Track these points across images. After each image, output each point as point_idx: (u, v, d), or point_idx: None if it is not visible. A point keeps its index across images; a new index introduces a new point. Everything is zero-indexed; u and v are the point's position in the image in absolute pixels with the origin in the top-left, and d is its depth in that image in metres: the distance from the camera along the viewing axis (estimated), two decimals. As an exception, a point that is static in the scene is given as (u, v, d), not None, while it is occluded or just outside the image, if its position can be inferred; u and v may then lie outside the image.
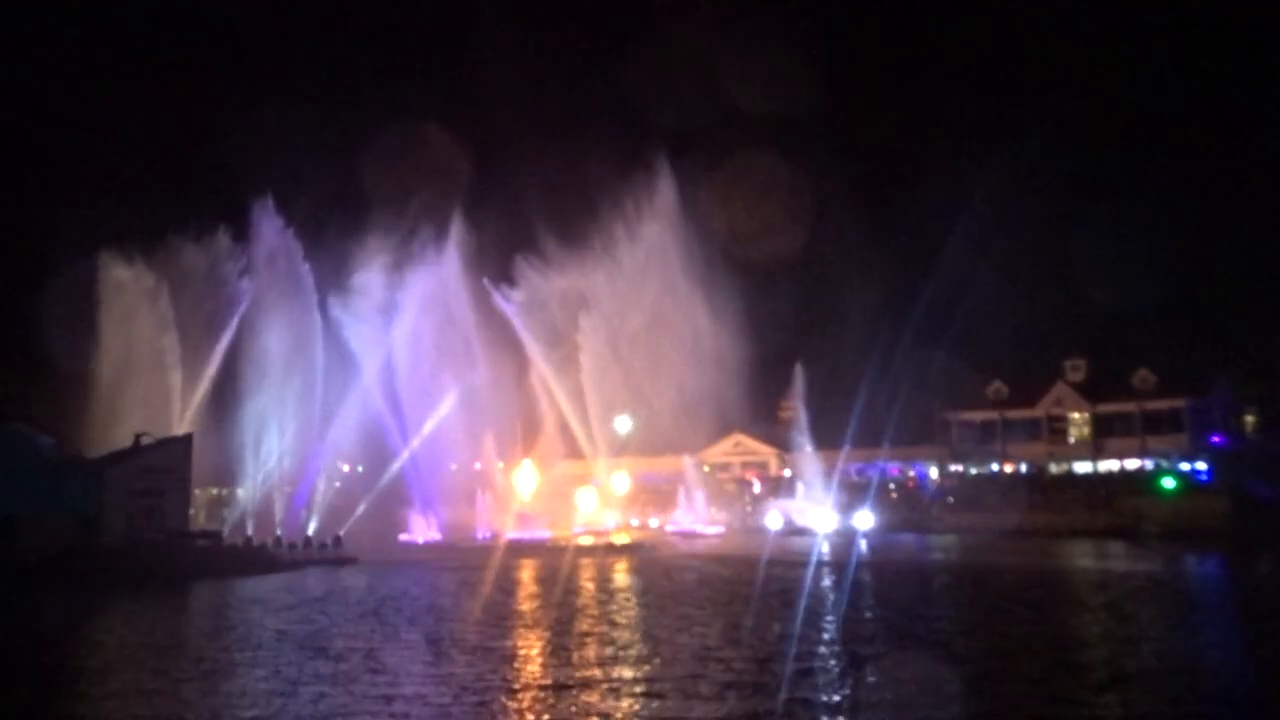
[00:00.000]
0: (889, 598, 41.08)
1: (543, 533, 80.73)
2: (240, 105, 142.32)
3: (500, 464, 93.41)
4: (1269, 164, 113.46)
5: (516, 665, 26.79)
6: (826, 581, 47.84)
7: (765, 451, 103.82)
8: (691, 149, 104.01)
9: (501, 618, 36.17)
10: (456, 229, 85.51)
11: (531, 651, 28.88)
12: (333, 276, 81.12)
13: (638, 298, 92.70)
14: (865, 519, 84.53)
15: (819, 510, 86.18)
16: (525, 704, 22.29)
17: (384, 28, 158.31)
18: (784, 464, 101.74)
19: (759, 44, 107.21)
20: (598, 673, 25.36)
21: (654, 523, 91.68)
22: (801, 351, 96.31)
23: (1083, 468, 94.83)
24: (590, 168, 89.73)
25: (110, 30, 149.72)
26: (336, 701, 22.60)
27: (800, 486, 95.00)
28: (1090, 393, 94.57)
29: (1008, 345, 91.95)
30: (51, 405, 71.28)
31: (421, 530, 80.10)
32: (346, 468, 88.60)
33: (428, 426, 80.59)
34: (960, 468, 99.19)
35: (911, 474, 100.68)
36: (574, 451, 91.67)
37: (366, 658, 27.91)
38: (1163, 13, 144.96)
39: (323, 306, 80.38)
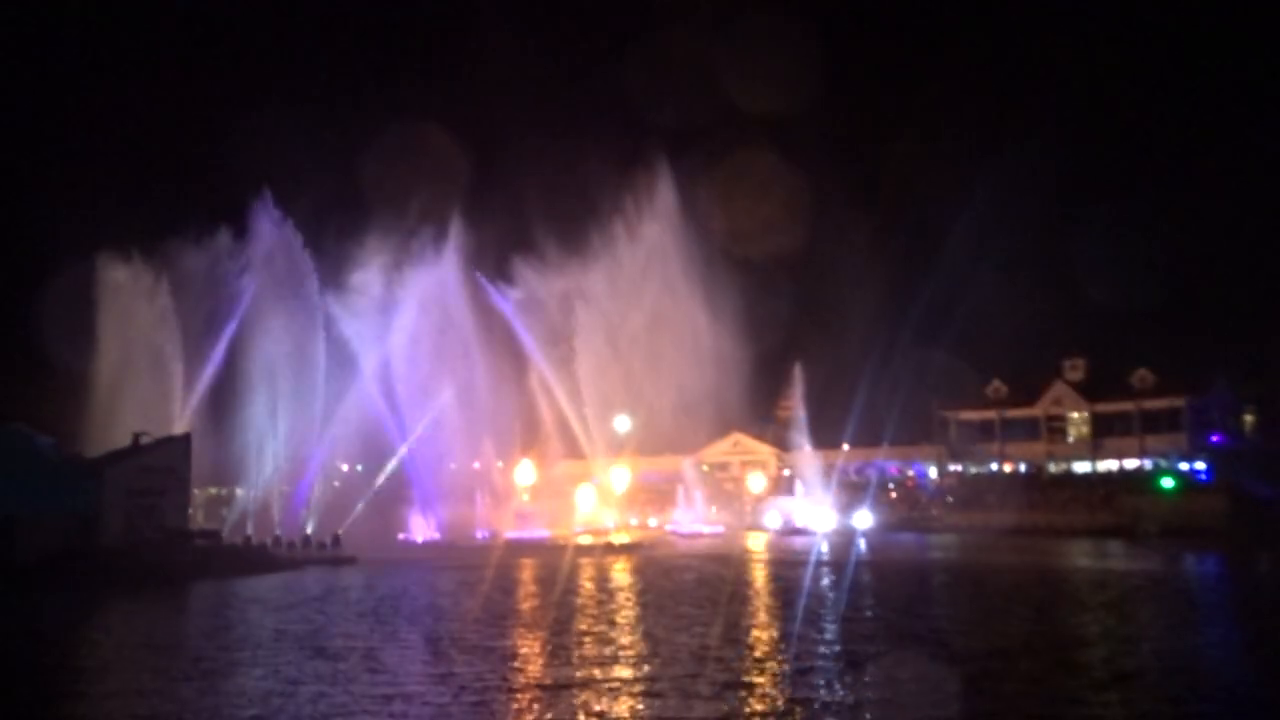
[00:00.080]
0: (888, 597, 41.08)
1: (542, 532, 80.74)
2: (240, 105, 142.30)
3: (499, 463, 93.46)
4: (1268, 163, 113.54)
5: (515, 665, 26.78)
6: (825, 581, 47.84)
7: (764, 451, 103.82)
8: (691, 148, 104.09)
9: (500, 617, 36.16)
10: (455, 228, 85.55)
11: (530, 651, 28.87)
12: (332, 276, 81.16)
13: (637, 297, 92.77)
14: (864, 518, 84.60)
15: (818, 510, 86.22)
16: (524, 704, 22.29)
17: (384, 27, 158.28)
18: (783, 463, 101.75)
19: (758, 44, 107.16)
20: (597, 672, 25.35)
21: (653, 522, 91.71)
22: (801, 351, 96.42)
23: (1081, 467, 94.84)
24: (590, 167, 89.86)
25: (110, 30, 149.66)
26: (335, 701, 22.60)
27: (799, 486, 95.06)
28: (1089, 392, 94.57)
29: (1007, 344, 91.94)
30: (51, 405, 71.31)
31: (420, 529, 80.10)
32: (345, 467, 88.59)
33: (423, 424, 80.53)
34: (959, 467, 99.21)
35: (910, 473, 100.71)
36: (573, 451, 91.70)
37: (365, 657, 27.90)
38: (1162, 12, 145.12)
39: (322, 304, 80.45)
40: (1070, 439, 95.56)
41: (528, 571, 55.03)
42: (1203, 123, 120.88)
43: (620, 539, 76.57)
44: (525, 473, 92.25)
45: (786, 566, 55.64)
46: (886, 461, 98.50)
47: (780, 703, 21.93)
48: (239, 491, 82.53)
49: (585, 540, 75.68)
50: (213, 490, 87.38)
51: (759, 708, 21.53)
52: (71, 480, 57.59)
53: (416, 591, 46.06)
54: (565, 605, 39.48)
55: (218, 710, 22.39)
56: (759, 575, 52.32)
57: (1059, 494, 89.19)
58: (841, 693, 23.02)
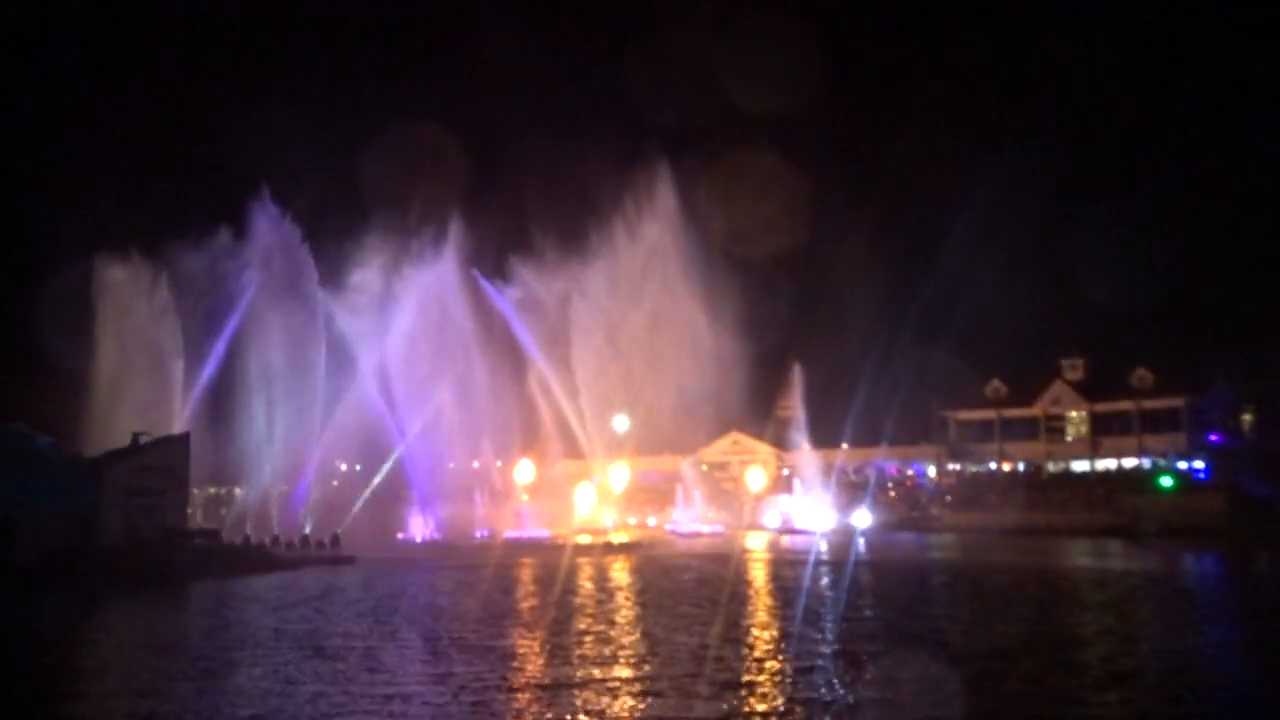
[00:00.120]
0: (887, 596, 41.08)
1: (541, 531, 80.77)
2: (239, 105, 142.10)
3: (498, 463, 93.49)
4: (1267, 163, 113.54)
5: (514, 664, 26.76)
6: (825, 580, 47.85)
7: (764, 450, 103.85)
8: (691, 148, 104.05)
9: (499, 616, 36.16)
10: (455, 228, 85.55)
11: (529, 651, 28.85)
12: (331, 275, 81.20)
13: (636, 297, 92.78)
14: (863, 518, 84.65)
15: (817, 509, 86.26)
16: (523, 703, 22.27)
17: (384, 27, 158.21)
18: (782, 463, 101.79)
19: (758, 43, 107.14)
20: (596, 672, 25.34)
21: (652, 521, 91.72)
22: (800, 350, 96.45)
23: (1080, 466, 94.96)
24: (589, 167, 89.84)
25: (109, 30, 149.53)
26: (334, 700, 22.57)
27: (798, 485, 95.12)
28: (1088, 391, 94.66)
29: (1006, 344, 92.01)
30: (50, 405, 71.26)
31: (420, 529, 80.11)
32: (344, 466, 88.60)
33: (420, 422, 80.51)
34: (958, 466, 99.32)
35: (910, 473, 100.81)
36: (573, 450, 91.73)
37: (364, 657, 27.88)
38: (1161, 12, 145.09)
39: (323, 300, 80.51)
40: (1069, 438, 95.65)
41: (527, 571, 55.03)
42: (1202, 122, 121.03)
43: (619, 538, 76.61)
44: (524, 472, 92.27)
45: (786, 566, 55.65)
46: (886, 461, 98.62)
47: (780, 702, 21.92)
48: (238, 491, 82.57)
49: (584, 540, 75.70)
50: (212, 490, 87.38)
51: (759, 707, 21.52)
52: (70, 480, 57.57)
53: (415, 591, 46.05)
54: (564, 605, 39.47)
55: (216, 709, 22.36)
56: (758, 575, 52.33)
57: (1058, 493, 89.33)
58: (841, 692, 23.01)
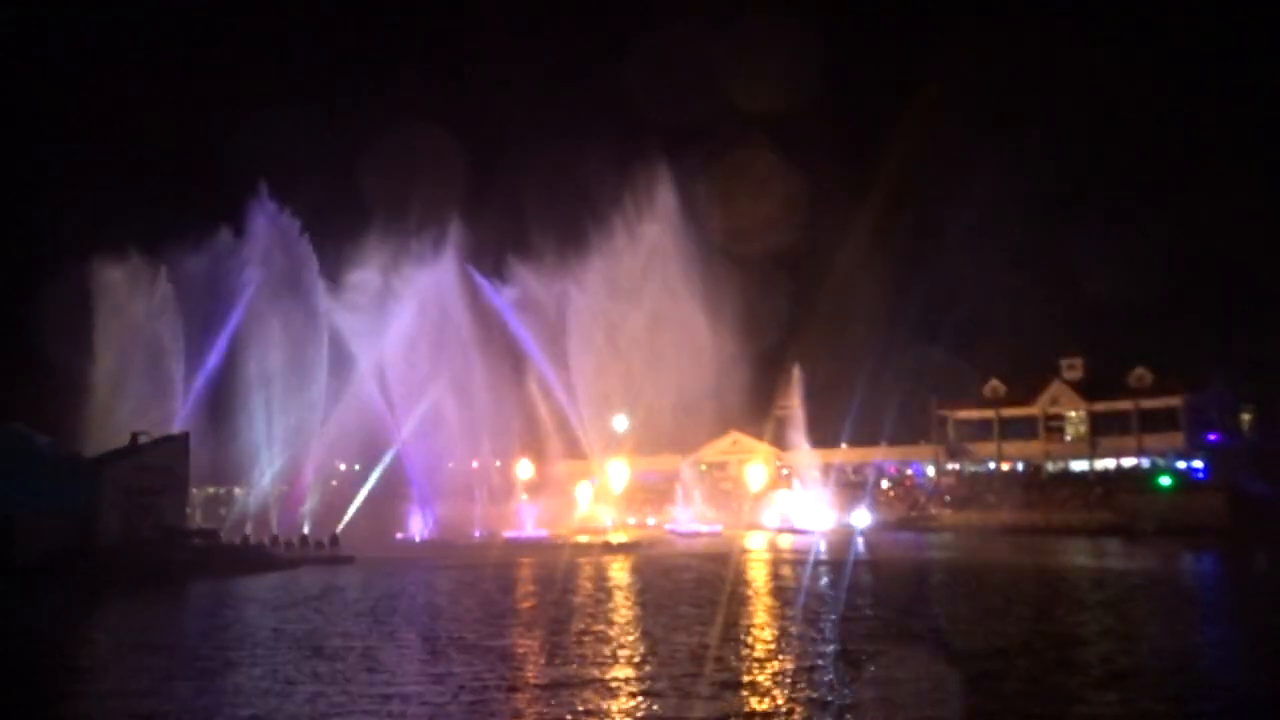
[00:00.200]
0: (887, 596, 41.10)
1: (540, 531, 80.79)
2: (239, 104, 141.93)
3: (497, 462, 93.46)
4: (1266, 162, 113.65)
5: (513, 664, 26.75)
6: (824, 580, 47.86)
7: (763, 450, 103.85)
8: (690, 147, 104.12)
9: (498, 616, 36.14)
10: (454, 227, 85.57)
11: (529, 650, 28.84)
12: (330, 275, 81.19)
13: (636, 296, 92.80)
14: (862, 517, 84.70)
15: (816, 508, 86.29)
16: (522, 703, 22.26)
17: (384, 27, 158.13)
18: (781, 462, 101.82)
19: (757, 42, 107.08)
20: (595, 672, 25.33)
21: (651, 521, 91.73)
22: (799, 350, 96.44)
23: (1079, 466, 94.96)
24: (589, 167, 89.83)
25: (109, 30, 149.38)
26: (333, 700, 22.56)
27: (798, 485, 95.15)
28: (1087, 391, 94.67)
29: (1005, 344, 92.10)
30: (49, 404, 71.25)
31: (419, 528, 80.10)
32: (343, 466, 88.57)
33: (416, 418, 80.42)
34: (957, 466, 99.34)
35: (908, 472, 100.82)
36: (572, 450, 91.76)
37: (363, 656, 27.87)
38: (1160, 10, 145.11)
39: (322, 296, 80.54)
40: (1068, 438, 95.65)
41: (526, 570, 55.02)
42: (1201, 121, 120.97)
43: (618, 538, 76.59)
44: (523, 472, 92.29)
45: (785, 565, 55.67)
46: (885, 460, 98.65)
47: (779, 702, 21.92)
48: (237, 491, 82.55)
49: (583, 539, 75.71)
50: (211, 489, 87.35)
51: (758, 707, 21.52)
52: (70, 479, 57.56)
53: (414, 591, 46.02)
54: (563, 604, 39.47)
55: (215, 709, 22.36)
56: (757, 574, 52.32)
57: (1057, 493, 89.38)
58: (841, 692, 23.01)
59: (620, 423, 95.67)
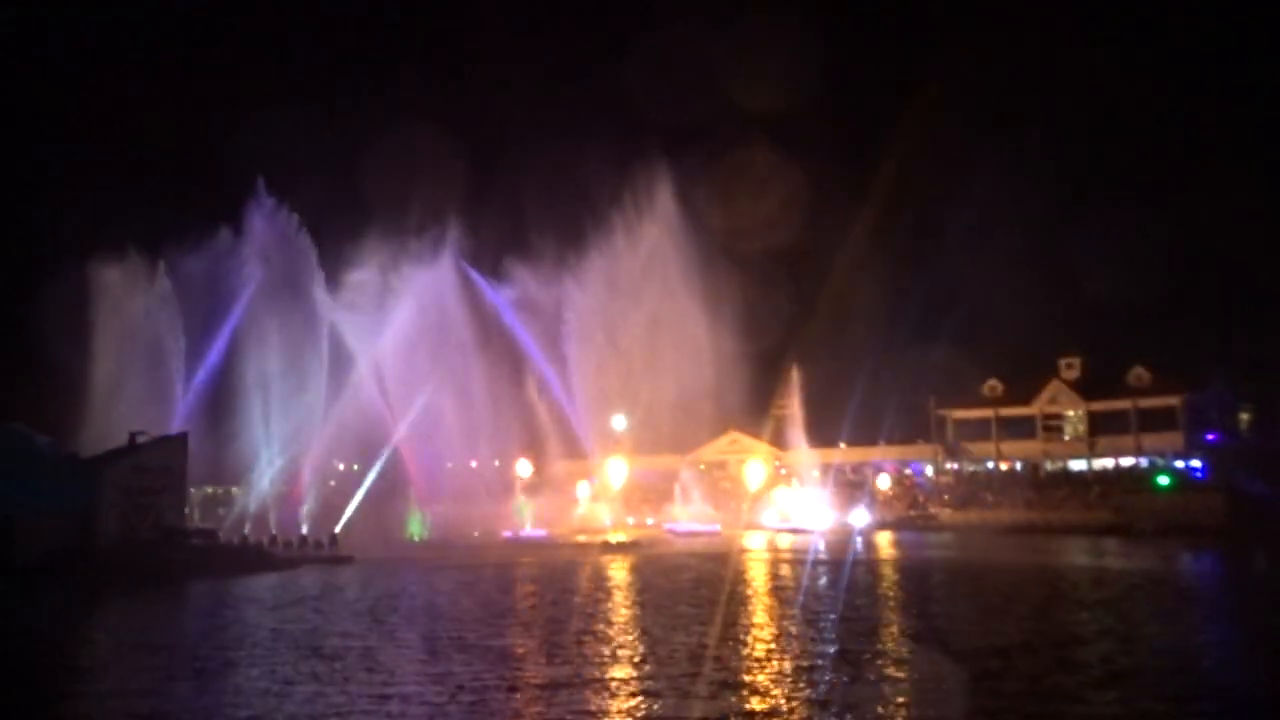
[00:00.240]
0: (885, 595, 41.12)
1: (539, 531, 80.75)
2: (238, 104, 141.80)
3: (496, 462, 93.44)
4: (1266, 161, 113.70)
5: (513, 664, 26.72)
6: (823, 579, 47.86)
7: (762, 449, 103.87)
8: (690, 146, 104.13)
9: (498, 616, 36.12)
10: (453, 227, 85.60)
11: (528, 650, 28.80)
12: (329, 274, 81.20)
13: (635, 295, 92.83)
14: (861, 516, 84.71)
15: (815, 508, 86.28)
16: (521, 703, 22.24)
17: (383, 27, 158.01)
18: (780, 462, 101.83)
19: (757, 41, 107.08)
20: (594, 671, 25.32)
21: (650, 521, 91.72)
22: (798, 349, 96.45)
23: (1078, 465, 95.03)
24: (589, 166, 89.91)
25: (109, 30, 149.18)
26: (332, 701, 22.54)
27: (796, 484, 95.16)
28: (1085, 390, 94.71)
29: (1003, 343, 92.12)
30: (48, 404, 71.20)
31: (419, 528, 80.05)
32: (342, 466, 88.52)
33: (411, 416, 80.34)
34: (956, 465, 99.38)
35: (907, 471, 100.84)
36: (571, 450, 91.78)
37: (362, 657, 27.85)
38: (1159, 10, 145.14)
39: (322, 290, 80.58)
40: (1067, 437, 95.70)
41: (525, 570, 54.99)
42: (1201, 121, 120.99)
43: (618, 538, 76.57)
44: (522, 471, 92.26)
45: (784, 565, 55.67)
46: (883, 460, 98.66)
47: (778, 702, 21.91)
48: (235, 491, 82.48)
49: (582, 539, 75.69)
50: (209, 489, 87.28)
51: (757, 707, 21.51)
52: (69, 479, 57.52)
53: (413, 591, 46.01)
54: (563, 604, 39.46)
55: (214, 709, 22.34)
56: (756, 573, 52.32)
57: (1055, 492, 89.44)
58: (839, 692, 22.99)
59: (619, 422, 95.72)
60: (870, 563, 56.31)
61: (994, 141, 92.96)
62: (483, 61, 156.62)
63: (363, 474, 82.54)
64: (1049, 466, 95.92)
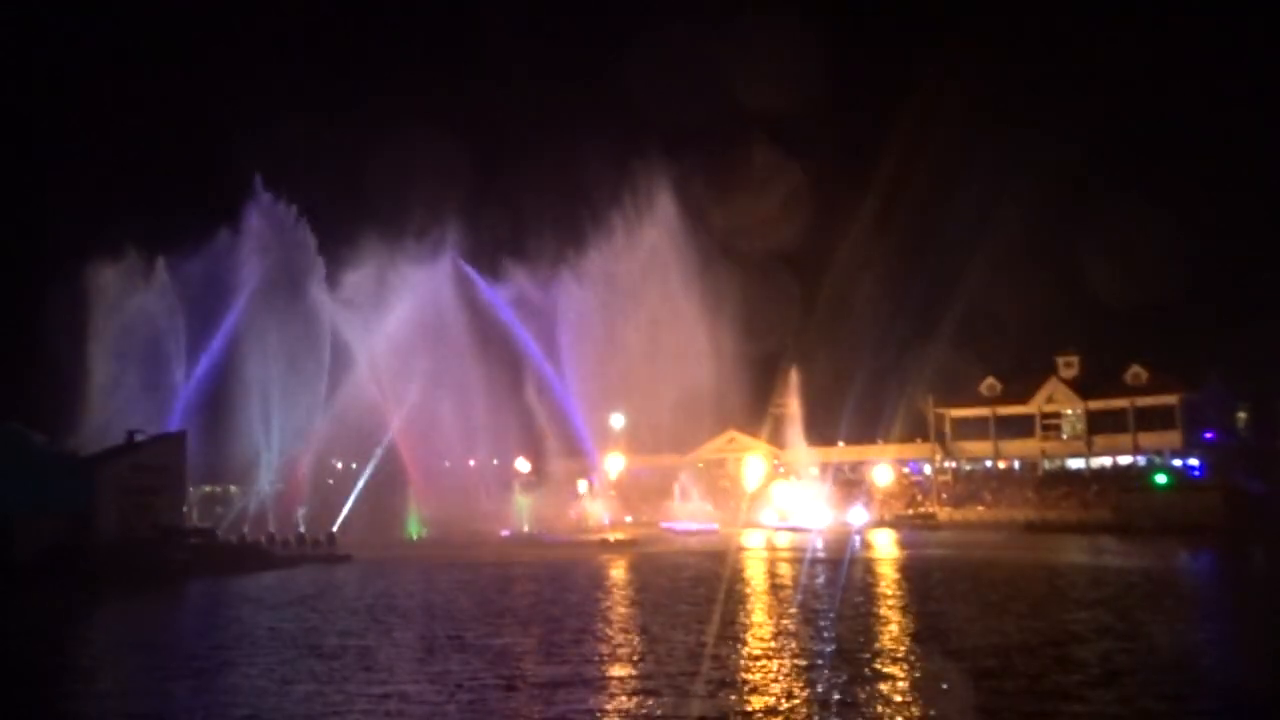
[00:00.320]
0: (883, 594, 41.12)
1: (538, 529, 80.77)
2: (238, 103, 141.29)
3: (495, 460, 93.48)
4: (1265, 160, 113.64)
5: (511, 662, 26.69)
6: (821, 577, 47.87)
7: (760, 448, 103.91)
8: (690, 146, 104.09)
9: (496, 614, 36.09)
10: (452, 226, 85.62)
11: (526, 649, 28.77)
12: (328, 274, 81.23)
13: (635, 295, 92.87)
14: (859, 515, 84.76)
15: (813, 506, 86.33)
16: (519, 702, 22.21)
17: (383, 27, 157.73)
18: (779, 460, 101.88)
19: (758, 40, 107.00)
20: (592, 670, 25.30)
21: (649, 519, 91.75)
22: (797, 348, 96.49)
23: (1076, 464, 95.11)
24: (589, 165, 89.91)
25: (108, 30, 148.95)
26: (330, 700, 22.50)
27: (795, 482, 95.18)
28: (1083, 389, 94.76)
29: (1001, 342, 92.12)
30: (46, 403, 71.15)
31: (417, 527, 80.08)
32: (340, 465, 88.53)
33: (405, 411, 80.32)
34: (954, 464, 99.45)
35: (905, 470, 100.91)
36: (570, 449, 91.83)
37: (360, 655, 27.83)
38: (1161, 9, 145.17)
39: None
40: (1065, 436, 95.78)
41: (523, 569, 54.96)
42: (1200, 119, 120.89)
43: (616, 536, 76.61)
44: (521, 469, 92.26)
45: (782, 563, 55.69)
46: (882, 458, 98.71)
47: (776, 700, 21.89)
48: (234, 489, 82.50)
49: (581, 537, 75.71)
50: (208, 488, 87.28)
51: (755, 705, 21.49)
52: (67, 478, 57.49)
53: (411, 589, 45.96)
54: (561, 602, 39.45)
55: (211, 709, 22.31)
56: (755, 572, 52.33)
57: (1053, 490, 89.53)
58: (837, 690, 22.98)
59: (617, 421, 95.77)
60: (868, 561, 56.33)
61: (992, 141, 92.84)
62: (482, 61, 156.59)
63: (361, 473, 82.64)
64: (1047, 465, 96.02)
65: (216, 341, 79.32)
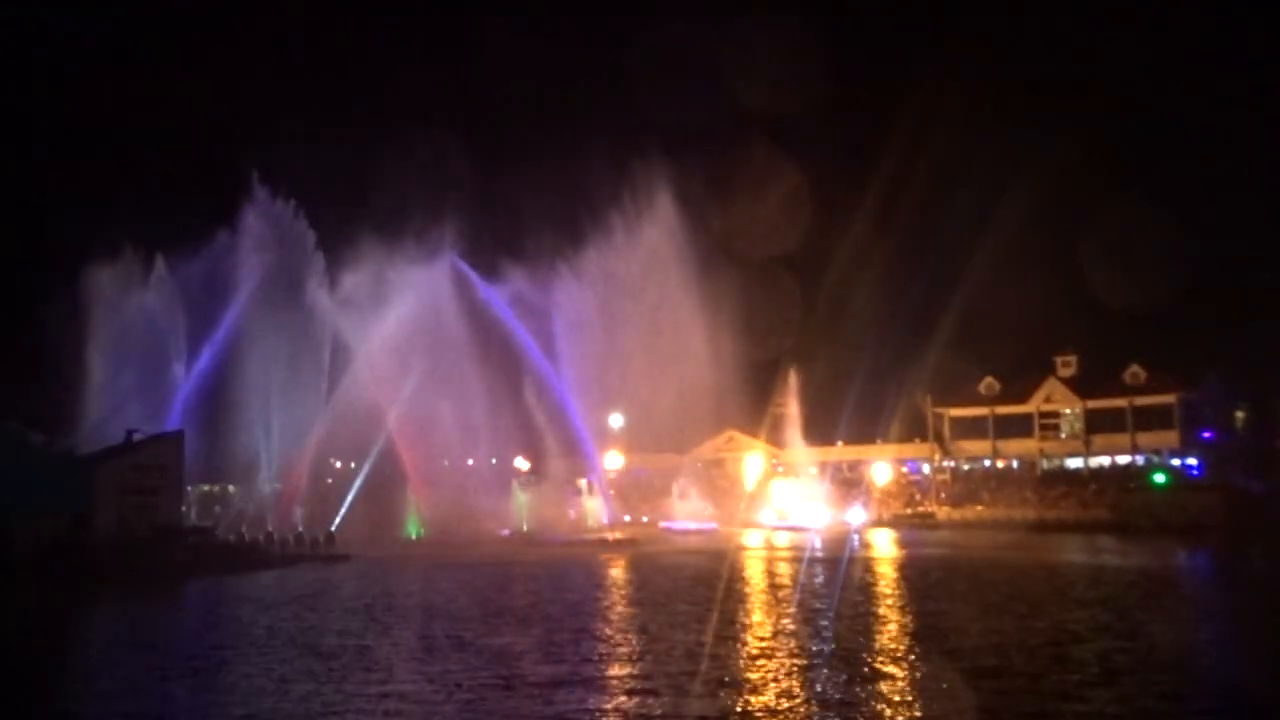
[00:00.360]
0: (882, 593, 41.13)
1: (537, 528, 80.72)
2: (238, 103, 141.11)
3: (493, 460, 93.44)
4: (1263, 158, 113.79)
5: (509, 662, 26.67)
6: (819, 577, 47.87)
7: (759, 447, 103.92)
8: (690, 147, 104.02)
9: (494, 614, 36.07)
10: (451, 225, 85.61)
11: (525, 648, 28.75)
12: (327, 273, 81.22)
13: (635, 294, 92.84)
14: (858, 514, 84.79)
15: (812, 505, 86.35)
16: (518, 701, 22.19)
17: (382, 27, 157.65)
18: (777, 460, 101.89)
19: (757, 41, 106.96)
20: (591, 669, 25.29)
21: (647, 518, 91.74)
22: (796, 348, 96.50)
23: (1074, 463, 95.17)
24: (588, 166, 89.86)
25: (108, 30, 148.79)
26: (328, 699, 22.48)
27: (793, 482, 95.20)
28: (1082, 388, 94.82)
29: (1000, 341, 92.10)
30: (45, 402, 71.07)
31: (415, 526, 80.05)
32: (339, 464, 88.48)
33: (403, 402, 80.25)
34: (952, 463, 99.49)
35: (904, 469, 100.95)
36: (568, 448, 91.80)
37: (358, 655, 27.80)
38: (1161, 9, 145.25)
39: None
40: (1063, 435, 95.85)
41: (522, 568, 54.93)
42: (1199, 119, 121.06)
43: (615, 535, 76.59)
44: (520, 469, 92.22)
45: (781, 562, 55.69)
46: (880, 458, 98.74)
47: (775, 700, 21.88)
48: (232, 489, 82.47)
49: (580, 536, 75.68)
50: (206, 487, 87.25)
51: (754, 705, 21.48)
52: (64, 477, 57.44)
53: (410, 588, 45.94)
54: (559, 601, 39.44)
55: (209, 708, 22.29)
56: (753, 571, 52.32)
57: (1052, 490, 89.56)
58: (836, 690, 22.98)
59: (616, 420, 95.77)
60: (867, 560, 56.33)
61: (992, 141, 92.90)
62: (482, 61, 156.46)
63: (359, 472, 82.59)
64: (1045, 464, 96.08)
65: (215, 340, 79.26)
